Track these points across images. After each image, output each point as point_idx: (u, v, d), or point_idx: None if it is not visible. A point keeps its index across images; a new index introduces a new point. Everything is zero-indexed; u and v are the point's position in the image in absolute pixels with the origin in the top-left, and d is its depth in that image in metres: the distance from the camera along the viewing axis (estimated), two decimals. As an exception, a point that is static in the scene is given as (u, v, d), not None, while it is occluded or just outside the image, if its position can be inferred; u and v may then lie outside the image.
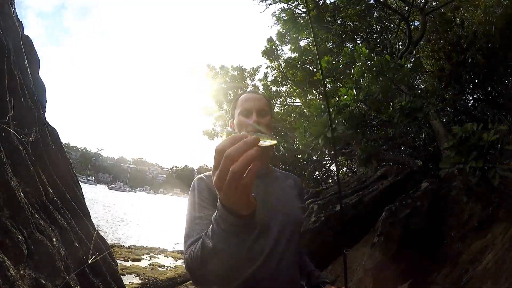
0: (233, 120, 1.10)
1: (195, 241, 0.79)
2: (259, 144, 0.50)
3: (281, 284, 0.90)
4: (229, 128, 1.03)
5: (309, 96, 9.31)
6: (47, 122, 3.09)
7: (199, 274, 0.73)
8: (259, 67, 9.84)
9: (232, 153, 0.48)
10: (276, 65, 9.64)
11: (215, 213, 0.63)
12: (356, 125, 3.21)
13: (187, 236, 0.85)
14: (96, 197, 30.20)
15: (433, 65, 5.66)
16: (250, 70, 9.67)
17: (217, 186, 0.52)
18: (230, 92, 9.22)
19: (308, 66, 8.80)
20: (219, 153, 0.49)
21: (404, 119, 3.03)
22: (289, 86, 9.92)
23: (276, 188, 1.05)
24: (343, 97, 3.35)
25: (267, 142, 0.54)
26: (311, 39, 8.07)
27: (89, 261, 2.33)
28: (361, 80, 3.48)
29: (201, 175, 1.02)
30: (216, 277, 0.75)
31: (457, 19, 5.12)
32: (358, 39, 8.18)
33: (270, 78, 9.82)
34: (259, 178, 1.04)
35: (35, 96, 2.89)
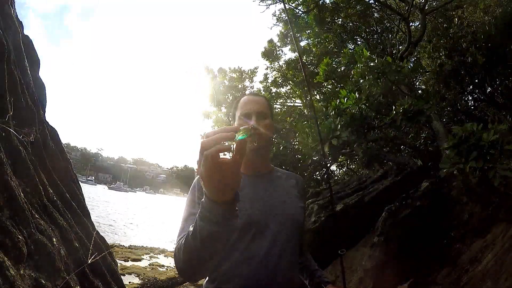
0: (234, 122, 1.10)
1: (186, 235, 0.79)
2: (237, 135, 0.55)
3: (279, 284, 0.90)
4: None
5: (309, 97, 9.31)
6: (47, 122, 3.09)
7: (181, 263, 0.72)
8: (256, 68, 9.83)
9: (208, 134, 0.56)
10: (276, 66, 9.64)
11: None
12: (357, 128, 3.19)
13: (180, 230, 0.86)
14: (97, 197, 30.19)
15: (433, 65, 5.65)
16: (248, 72, 9.67)
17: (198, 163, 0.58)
18: (229, 94, 9.22)
19: (308, 67, 8.80)
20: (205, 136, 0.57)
21: (407, 122, 3.02)
22: (289, 87, 9.92)
23: (276, 188, 1.05)
24: (344, 99, 3.34)
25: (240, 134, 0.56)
26: (311, 40, 8.07)
27: (89, 261, 2.33)
28: (361, 81, 3.48)
29: None
30: (195, 268, 0.72)
31: (457, 19, 5.12)
32: (358, 39, 8.18)
33: (270, 79, 9.82)
34: (259, 178, 1.05)
35: (35, 96, 2.90)
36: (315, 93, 9.13)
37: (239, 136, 0.55)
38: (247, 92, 9.34)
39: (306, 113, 8.24)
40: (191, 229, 0.68)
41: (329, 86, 7.47)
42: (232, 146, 0.54)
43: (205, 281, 0.94)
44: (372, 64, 3.29)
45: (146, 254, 9.43)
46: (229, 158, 0.55)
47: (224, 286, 0.89)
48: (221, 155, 0.55)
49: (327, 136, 3.03)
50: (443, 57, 4.67)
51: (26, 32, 3.15)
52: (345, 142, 3.06)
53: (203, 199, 0.62)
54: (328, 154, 3.03)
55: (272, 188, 1.04)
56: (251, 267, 0.88)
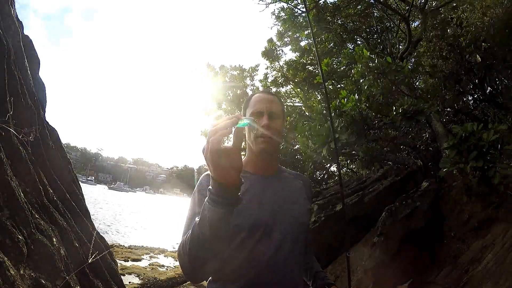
0: None
1: None
2: (239, 124, 0.62)
3: (284, 285, 0.90)
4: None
5: (310, 97, 9.32)
6: (47, 122, 3.09)
7: (187, 259, 0.73)
8: (257, 66, 9.81)
9: (214, 123, 0.63)
10: (276, 66, 9.64)
11: None
12: (357, 129, 3.19)
13: (185, 229, 0.85)
14: (97, 198, 30.20)
15: (433, 65, 5.66)
16: (249, 70, 9.66)
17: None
18: (229, 92, 9.22)
19: (308, 66, 8.81)
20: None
21: (407, 122, 3.02)
22: (289, 87, 9.92)
23: (284, 189, 1.04)
24: (344, 100, 3.34)
25: (245, 120, 0.63)
26: (311, 39, 8.06)
27: (89, 260, 2.33)
28: (361, 81, 3.48)
29: (208, 173, 0.99)
30: (201, 265, 0.73)
31: (456, 19, 5.12)
32: (358, 39, 8.18)
33: (270, 79, 9.82)
34: (267, 178, 1.03)
35: (35, 96, 2.90)
36: (316, 93, 9.15)
37: (240, 124, 0.62)
38: (248, 89, 9.34)
39: (306, 113, 8.25)
40: (197, 220, 0.71)
41: (330, 87, 7.48)
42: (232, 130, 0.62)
43: (209, 281, 0.93)
44: (372, 64, 3.28)
45: (146, 254, 9.42)
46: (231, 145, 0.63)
47: (228, 286, 0.88)
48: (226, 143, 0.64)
49: (326, 138, 3.02)
50: (443, 56, 4.67)
51: (28, 33, 3.15)
52: (344, 144, 3.06)
53: (209, 186, 0.67)
54: (328, 158, 3.02)
55: (280, 189, 1.02)
56: (256, 268, 0.87)
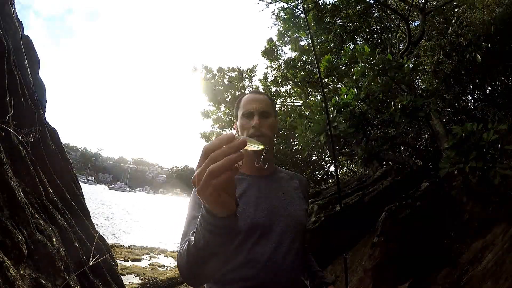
0: (236, 121, 1.09)
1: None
2: (246, 148, 0.50)
3: (283, 286, 0.90)
4: (218, 130, 1.01)
5: (310, 97, 9.32)
6: (47, 122, 3.09)
7: (186, 271, 0.72)
8: (255, 67, 9.80)
9: (215, 156, 0.48)
10: (276, 66, 9.63)
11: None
12: (356, 124, 3.20)
13: (184, 234, 0.85)
14: (97, 198, 30.18)
15: (433, 65, 5.65)
16: (247, 71, 9.65)
17: (193, 182, 0.51)
18: (228, 94, 9.21)
19: (308, 66, 8.80)
20: (205, 153, 0.50)
21: (406, 118, 3.02)
22: (289, 86, 9.91)
23: (280, 189, 1.04)
24: (344, 96, 3.35)
25: (253, 147, 0.54)
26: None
27: (91, 263, 2.33)
28: (362, 79, 3.48)
29: None
30: (200, 275, 0.72)
31: (456, 18, 5.12)
32: (358, 39, 8.18)
33: (270, 79, 9.81)
34: (263, 179, 1.04)
35: (35, 96, 2.90)
36: (315, 92, 9.14)
37: (252, 147, 0.53)
38: (246, 91, 9.33)
39: (306, 113, 8.23)
40: (192, 238, 0.66)
41: (330, 85, 7.47)
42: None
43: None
44: (372, 61, 3.28)
45: (146, 254, 9.42)
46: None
47: (226, 287, 0.88)
48: None
49: (323, 128, 3.04)
50: (442, 56, 4.67)
51: (26, 32, 3.15)
52: (341, 134, 3.06)
53: (204, 213, 0.59)
54: (324, 147, 3.04)
55: (276, 190, 1.03)
56: (254, 269, 0.87)
